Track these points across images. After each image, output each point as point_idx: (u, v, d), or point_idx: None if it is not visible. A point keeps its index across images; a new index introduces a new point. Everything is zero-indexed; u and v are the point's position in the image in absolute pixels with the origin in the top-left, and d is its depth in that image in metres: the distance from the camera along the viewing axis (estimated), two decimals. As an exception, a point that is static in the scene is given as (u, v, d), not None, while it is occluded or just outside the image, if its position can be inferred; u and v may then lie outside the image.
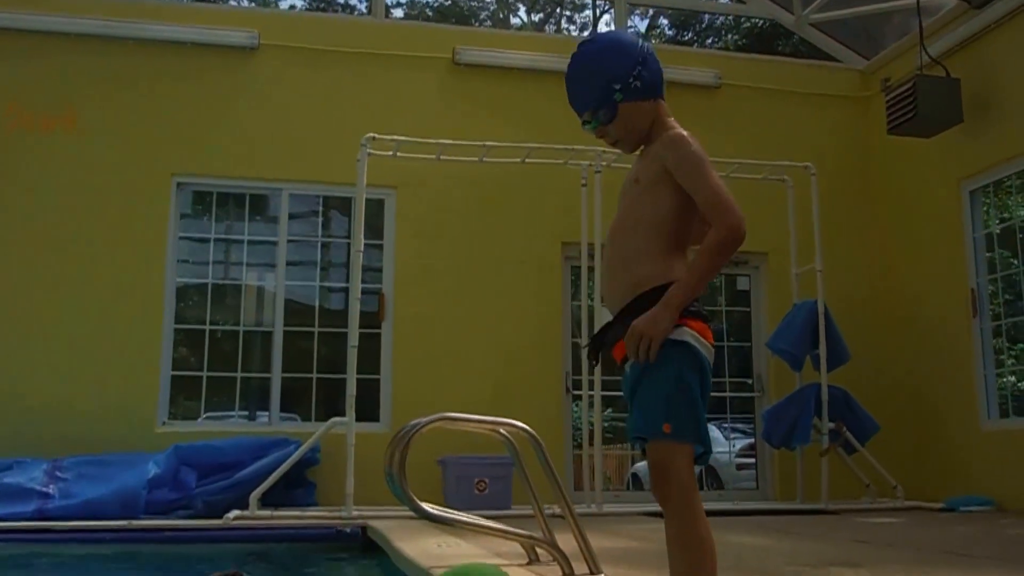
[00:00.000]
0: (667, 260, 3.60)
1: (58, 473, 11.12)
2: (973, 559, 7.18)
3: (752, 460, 15.54)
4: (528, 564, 6.53)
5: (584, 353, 12.12)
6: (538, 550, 6.55)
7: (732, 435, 15.87)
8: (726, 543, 8.08)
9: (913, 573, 6.13)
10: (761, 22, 28.08)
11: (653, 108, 3.78)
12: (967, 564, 6.81)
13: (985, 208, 13.76)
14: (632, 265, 3.62)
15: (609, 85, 3.72)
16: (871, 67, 15.82)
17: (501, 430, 6.47)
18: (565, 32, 38.30)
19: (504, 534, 6.42)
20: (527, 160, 12.86)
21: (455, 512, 6.30)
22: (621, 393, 10.53)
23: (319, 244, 14.28)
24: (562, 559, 6.00)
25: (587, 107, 3.85)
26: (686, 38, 35.53)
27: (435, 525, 9.22)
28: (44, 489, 10.87)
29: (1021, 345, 13.40)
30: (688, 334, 3.49)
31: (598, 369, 11.78)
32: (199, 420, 13.44)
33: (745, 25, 30.79)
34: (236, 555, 9.73)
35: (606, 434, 12.32)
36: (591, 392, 12.01)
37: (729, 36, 33.06)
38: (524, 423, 6.39)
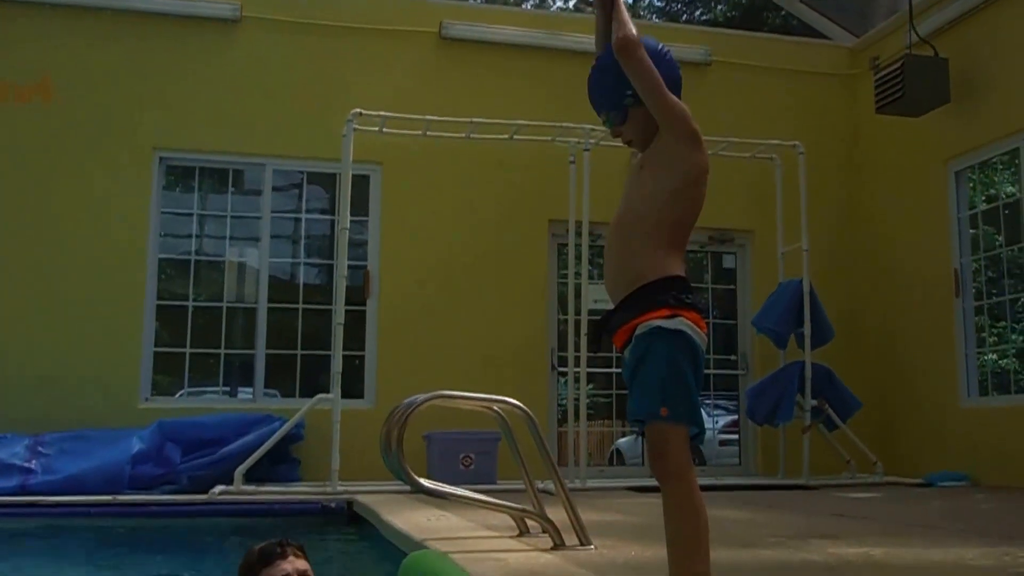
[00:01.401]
0: (665, 255, 3.95)
1: (40, 449, 11.47)
2: (947, 532, 7.62)
3: (735, 437, 15.92)
4: (518, 536, 6.92)
5: (567, 336, 12.53)
6: (528, 522, 6.96)
7: (715, 412, 16.18)
8: (710, 517, 8.53)
9: (889, 544, 6.52)
10: (750, -4, 28.27)
11: (651, 119, 4.12)
12: (941, 536, 7.26)
13: (971, 185, 14.09)
14: (633, 258, 3.97)
15: (621, 90, 4.13)
16: (860, 45, 16.13)
17: (495, 407, 6.94)
18: (549, 3, 38.31)
19: (497, 507, 6.91)
20: (515, 137, 13.19)
21: (452, 487, 6.82)
22: (604, 370, 11.09)
23: (303, 220, 14.53)
24: (553, 530, 6.41)
25: (602, 109, 4.28)
26: (675, 9, 35.55)
27: (421, 499, 9.74)
28: (26, 464, 11.23)
29: (1003, 324, 13.80)
30: (683, 323, 3.83)
31: (583, 346, 12.21)
32: (182, 396, 13.78)
33: (734, -6, 31.00)
34: (222, 530, 10.22)
35: (588, 410, 12.71)
36: (576, 369, 12.36)
37: (718, 7, 33.14)
38: (509, 399, 6.84)
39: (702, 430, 3.88)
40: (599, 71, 4.28)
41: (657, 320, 3.80)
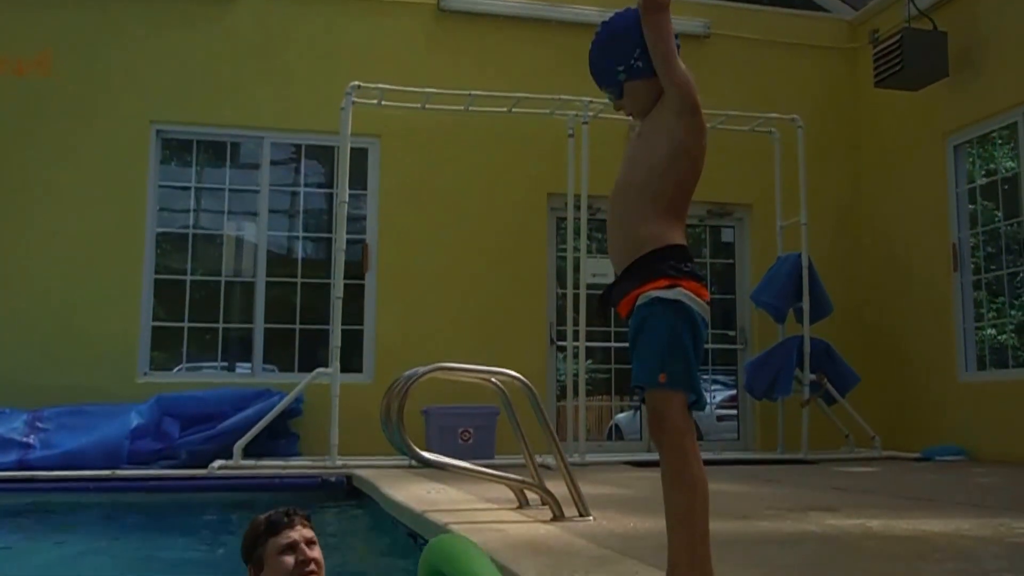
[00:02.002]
0: (667, 223, 4.01)
1: (39, 424, 11.63)
2: (944, 504, 7.75)
3: (734, 411, 16.03)
4: (518, 508, 7.09)
5: (573, 307, 12.63)
6: (527, 495, 7.13)
7: (714, 387, 16.22)
8: (709, 491, 8.67)
9: (886, 516, 6.65)
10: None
11: (656, 90, 4.13)
12: (938, 508, 7.39)
13: (970, 160, 14.16)
14: (635, 227, 4.02)
15: (613, 66, 4.18)
16: (859, 18, 16.19)
17: (493, 379, 7.05)
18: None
19: (498, 479, 7.07)
20: (513, 110, 13.30)
21: (452, 459, 6.94)
22: (603, 344, 11.20)
23: (301, 193, 14.66)
24: (552, 502, 6.56)
25: (600, 85, 4.34)
26: (675, -22, 35.36)
27: (420, 473, 9.88)
28: (25, 439, 11.41)
29: (1002, 299, 13.86)
30: (681, 293, 3.88)
31: (582, 320, 12.35)
32: (180, 371, 13.88)
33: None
34: (221, 504, 10.38)
35: (587, 386, 12.79)
36: (575, 343, 12.51)
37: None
38: (509, 371, 6.98)
39: (700, 398, 3.94)
40: (594, 47, 4.33)
41: (655, 291, 3.87)
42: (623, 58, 4.13)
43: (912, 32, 13.62)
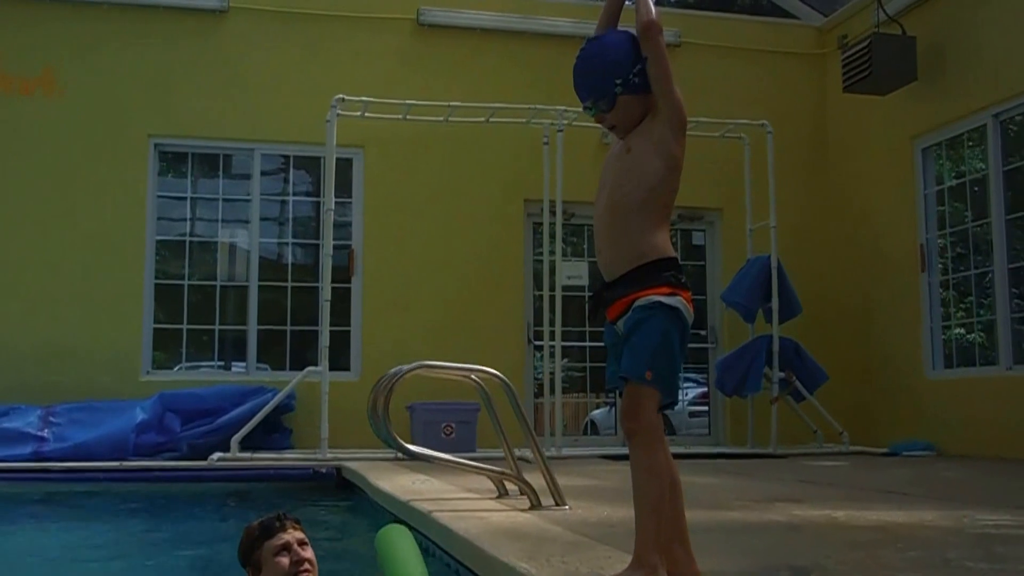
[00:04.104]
0: (661, 235, 4.06)
1: (51, 418, 11.88)
2: (909, 496, 7.76)
3: (705, 408, 16.02)
4: (498, 498, 7.15)
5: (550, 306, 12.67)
6: (507, 485, 7.20)
7: (686, 384, 16.22)
8: (681, 483, 8.73)
9: (851, 508, 6.70)
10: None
11: (649, 99, 4.17)
12: (902, 501, 7.40)
13: (940, 162, 14.17)
14: (634, 237, 4.04)
15: (611, 79, 4.14)
16: (828, 24, 16.17)
17: (474, 376, 7.11)
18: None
19: (479, 470, 7.15)
20: (490, 120, 13.33)
21: (435, 452, 7.00)
22: (579, 344, 11.17)
23: (290, 202, 14.78)
24: (530, 492, 6.64)
25: (589, 97, 4.26)
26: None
27: (405, 465, 9.93)
28: (39, 433, 11.66)
29: (971, 298, 13.86)
30: (680, 302, 3.96)
31: (558, 320, 12.45)
32: (180, 370, 14.07)
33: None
34: (220, 494, 10.58)
35: (563, 383, 12.87)
36: (552, 343, 12.61)
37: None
38: (488, 368, 7.05)
39: (675, 400, 4.02)
40: (587, 59, 4.29)
41: (658, 296, 3.92)
42: (621, 73, 4.14)
43: (881, 37, 13.59)
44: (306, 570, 4.65)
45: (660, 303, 3.90)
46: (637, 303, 3.93)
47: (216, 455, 11.26)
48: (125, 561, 7.50)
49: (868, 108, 14.73)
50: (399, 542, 3.98)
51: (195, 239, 14.33)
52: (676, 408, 4.15)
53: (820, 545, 5.20)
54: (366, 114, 12.69)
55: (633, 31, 4.23)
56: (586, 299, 14.62)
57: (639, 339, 3.91)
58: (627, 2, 4.36)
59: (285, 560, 4.63)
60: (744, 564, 4.62)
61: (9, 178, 13.33)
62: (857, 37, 14.39)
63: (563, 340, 12.79)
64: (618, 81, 4.14)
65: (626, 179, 4.12)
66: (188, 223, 14.36)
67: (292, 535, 4.72)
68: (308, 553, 4.72)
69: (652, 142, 4.11)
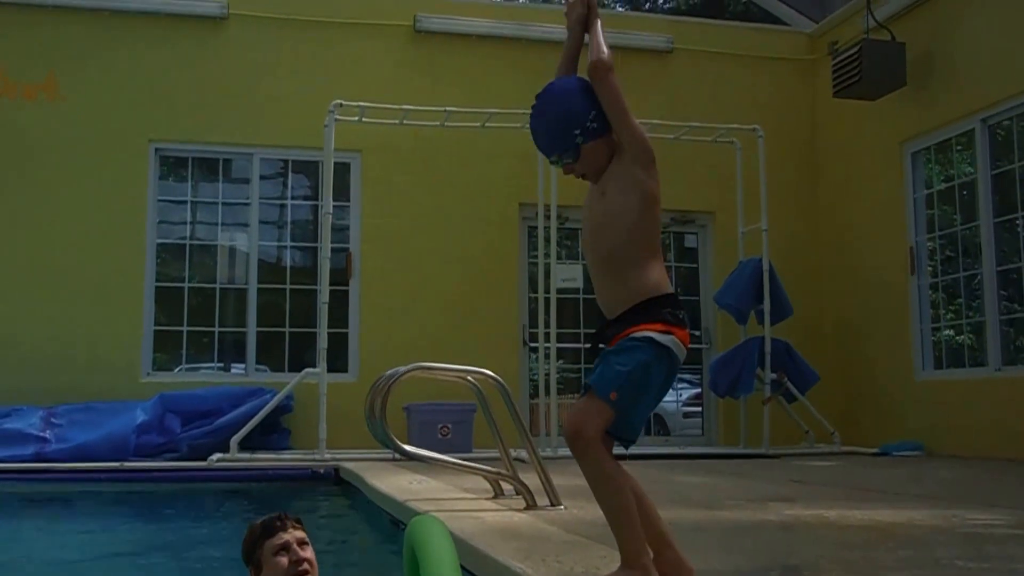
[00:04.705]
0: (655, 271, 4.00)
1: (53, 419, 11.90)
2: (900, 496, 7.78)
3: (698, 409, 16.05)
4: (494, 498, 7.13)
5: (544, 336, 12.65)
6: (503, 485, 7.18)
7: (679, 385, 16.21)
8: (673, 482, 8.71)
9: (842, 507, 6.71)
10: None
11: (612, 140, 4.11)
12: (893, 500, 7.42)
13: (929, 166, 14.15)
14: (627, 280, 3.97)
15: (570, 131, 4.07)
16: (818, 31, 16.16)
17: (469, 378, 7.11)
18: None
19: (475, 470, 7.15)
20: (486, 125, 13.29)
21: (432, 452, 7.00)
22: (573, 346, 11.14)
23: (288, 206, 14.81)
24: (526, 492, 6.63)
25: (552, 152, 4.20)
26: (639, -4, 35.41)
27: (402, 464, 9.94)
28: (41, 434, 11.68)
29: (959, 301, 13.85)
30: (673, 342, 3.89)
31: (553, 322, 12.45)
32: (180, 371, 14.07)
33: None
34: (220, 494, 10.59)
35: (558, 384, 12.87)
36: (547, 344, 12.59)
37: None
38: (483, 370, 7.05)
39: (633, 437, 3.96)
40: (541, 115, 4.24)
41: (651, 331, 3.87)
42: (578, 122, 4.08)
43: (871, 43, 13.55)
44: (305, 570, 4.63)
45: (651, 339, 3.86)
46: (630, 335, 3.88)
47: (216, 456, 11.27)
48: (125, 560, 7.50)
49: (858, 113, 14.70)
50: (434, 532, 3.96)
51: (195, 242, 14.35)
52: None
53: (813, 544, 5.19)
54: (363, 119, 12.71)
55: (580, 77, 4.20)
56: (580, 301, 14.70)
57: (618, 360, 3.85)
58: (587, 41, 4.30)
59: (284, 560, 4.62)
60: (737, 563, 4.61)
61: (12, 182, 13.33)
62: (847, 43, 14.33)
63: (558, 342, 12.77)
64: (577, 131, 4.08)
65: (607, 223, 4.08)
66: (188, 226, 14.37)
67: (292, 535, 4.70)
68: (308, 553, 4.70)
69: (624, 182, 4.06)
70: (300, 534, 4.74)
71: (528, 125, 4.30)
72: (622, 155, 4.09)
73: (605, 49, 4.10)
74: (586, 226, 4.17)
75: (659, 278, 3.99)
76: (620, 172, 4.07)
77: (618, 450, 3.99)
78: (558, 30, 14.53)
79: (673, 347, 3.88)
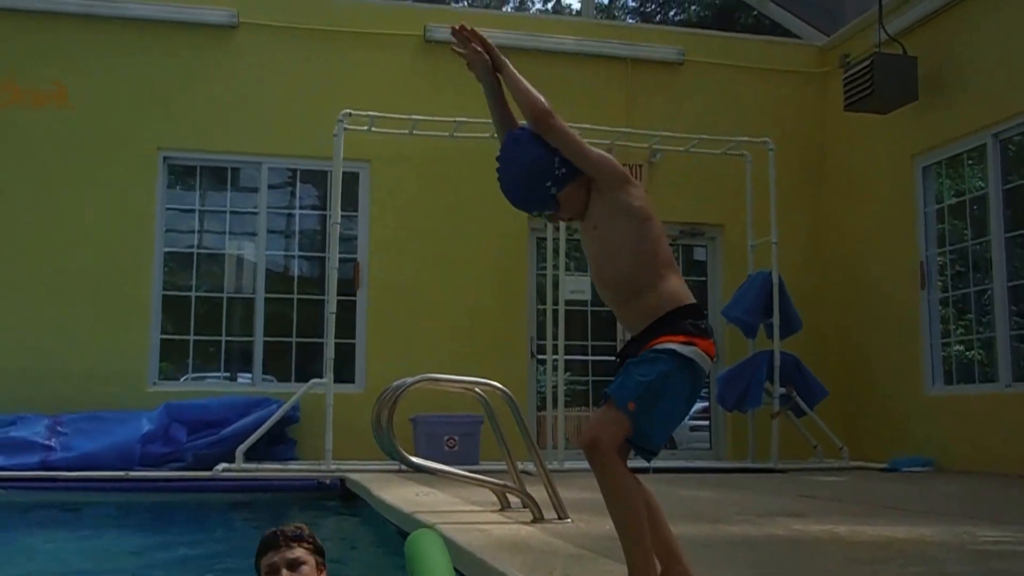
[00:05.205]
0: (671, 284, 3.99)
1: (59, 428, 11.93)
2: (909, 512, 7.71)
3: (706, 423, 16.02)
4: (500, 510, 7.12)
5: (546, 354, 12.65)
6: (509, 498, 7.17)
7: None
8: (681, 497, 8.69)
9: (852, 523, 6.68)
10: (723, -4, 28.15)
11: (585, 179, 4.10)
12: (903, 516, 7.37)
13: (940, 181, 14.12)
14: (643, 299, 3.95)
15: (541, 185, 4.10)
16: (830, 44, 16.14)
17: (477, 389, 7.11)
18: (529, 4, 38.25)
19: (482, 482, 7.13)
20: (495, 136, 13.23)
21: (439, 464, 7.00)
22: (581, 358, 11.11)
23: (297, 215, 14.83)
24: (533, 505, 6.61)
25: (533, 209, 4.27)
26: (649, 10, 35.42)
27: (408, 476, 9.93)
28: (46, 442, 11.70)
29: (969, 316, 13.81)
30: (695, 353, 3.87)
31: (561, 334, 12.46)
32: (186, 380, 14.07)
33: (707, -3, 30.92)
34: (225, 504, 10.60)
35: (566, 397, 12.89)
36: (555, 356, 12.58)
37: (692, 8, 33.04)
38: (491, 381, 7.04)
39: (651, 450, 3.92)
40: (508, 180, 4.26)
41: (673, 343, 3.85)
42: (546, 174, 4.10)
43: (882, 57, 13.48)
44: None
45: (673, 351, 3.84)
46: (653, 347, 3.87)
47: (221, 466, 11.27)
48: (129, 570, 7.50)
49: (869, 126, 14.66)
50: (430, 547, 3.96)
51: (203, 251, 14.40)
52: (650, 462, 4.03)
53: (822, 560, 5.18)
54: (372, 129, 12.75)
55: (524, 128, 4.19)
56: (588, 313, 14.69)
57: (639, 370, 3.84)
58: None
59: None
60: (745, 578, 4.61)
61: (20, 189, 13.36)
62: (859, 56, 14.27)
63: (566, 354, 12.78)
64: (548, 183, 4.10)
65: (608, 255, 4.08)
66: (196, 235, 14.41)
67: (283, 556, 4.64)
68: (301, 573, 4.66)
69: (610, 210, 4.06)
70: (295, 554, 4.68)
71: (498, 174, 4.28)
72: (598, 186, 4.09)
73: (534, 93, 4.13)
74: (591, 263, 4.16)
75: (675, 290, 3.97)
76: (602, 202, 4.08)
77: (640, 463, 3.98)
78: (569, 41, 14.67)
79: (696, 358, 3.86)
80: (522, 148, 4.19)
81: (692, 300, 4.00)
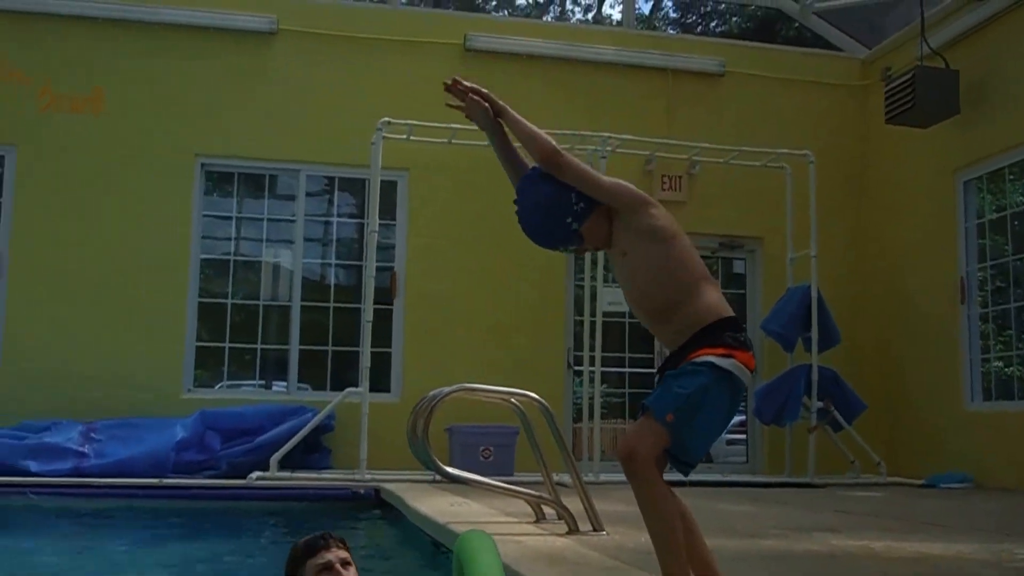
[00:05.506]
0: (707, 297, 4.02)
1: (92, 434, 11.97)
2: (947, 529, 7.68)
3: (743, 436, 15.99)
4: (535, 522, 7.15)
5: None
6: (544, 509, 7.19)
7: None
8: (717, 511, 8.69)
9: (889, 539, 6.65)
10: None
11: (605, 209, 4.16)
12: (941, 532, 7.34)
13: (981, 195, 14.05)
14: (683, 315, 3.99)
15: (562, 222, 4.16)
16: (871, 57, 16.10)
17: (513, 400, 7.12)
18: (569, 14, 38.24)
19: (517, 493, 7.15)
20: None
21: (474, 475, 7.01)
22: (618, 370, 11.12)
23: (334, 223, 14.84)
24: (568, 516, 6.63)
25: (559, 246, 4.31)
26: (690, 21, 35.41)
27: (443, 487, 9.94)
28: (80, 449, 11.73)
29: (1009, 332, 13.76)
30: (734, 365, 3.90)
31: (598, 346, 12.47)
32: (221, 388, 14.11)
33: (749, 8, 30.86)
34: (259, 512, 10.62)
35: (602, 409, 12.87)
36: (592, 368, 12.60)
37: (733, 20, 33.00)
38: (528, 392, 7.05)
39: (689, 462, 3.96)
40: (529, 223, 4.33)
41: (712, 356, 3.88)
42: (565, 211, 4.15)
43: (924, 70, 13.42)
44: None
45: (712, 363, 3.86)
46: (691, 360, 3.89)
47: (255, 474, 11.32)
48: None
49: (910, 140, 14.58)
50: (481, 547, 3.98)
51: (239, 258, 14.44)
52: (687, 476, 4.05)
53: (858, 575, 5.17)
54: (411, 137, 12.78)
55: (533, 169, 4.21)
56: (626, 325, 14.70)
57: (678, 383, 3.86)
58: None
59: None
60: (782, 594, 4.60)
61: (56, 193, 13.40)
62: (900, 70, 14.20)
63: (603, 366, 12.77)
64: (568, 220, 4.15)
65: (639, 278, 4.13)
66: (233, 242, 14.47)
67: (335, 554, 4.72)
68: (350, 573, 4.72)
69: (634, 234, 4.11)
70: (343, 554, 4.76)
71: (518, 216, 4.34)
72: (619, 213, 4.14)
73: (539, 134, 4.18)
74: (624, 290, 4.20)
75: (712, 303, 4.00)
76: (625, 228, 4.13)
77: (676, 476, 3.99)
78: (609, 51, 14.70)
79: (735, 370, 3.88)
80: (537, 188, 4.24)
81: (730, 312, 4.02)
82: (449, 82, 4.53)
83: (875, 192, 15.74)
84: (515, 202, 4.31)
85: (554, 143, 4.14)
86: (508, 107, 4.42)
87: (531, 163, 4.31)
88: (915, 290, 14.68)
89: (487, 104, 4.45)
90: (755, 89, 15.69)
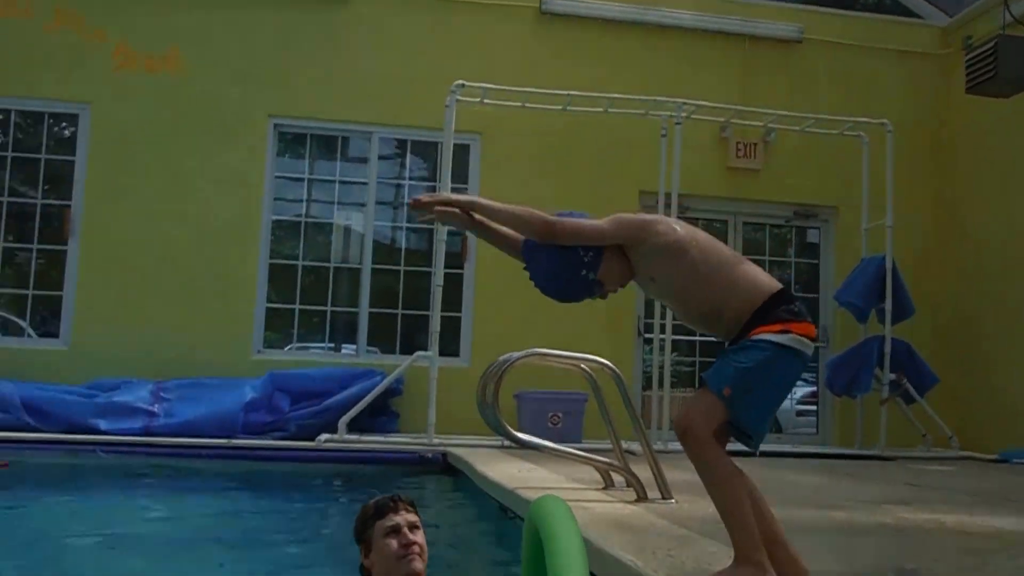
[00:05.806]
0: (744, 282, 4.05)
1: (162, 394, 12.10)
2: (1019, 503, 7.70)
3: (814, 407, 15.88)
4: (604, 489, 7.20)
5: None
6: (613, 476, 7.21)
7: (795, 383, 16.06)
8: (787, 481, 8.69)
9: (960, 513, 6.63)
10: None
11: (616, 247, 4.22)
12: (1013, 508, 7.35)
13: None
14: (730, 310, 4.02)
15: (577, 276, 4.22)
16: (953, 25, 15.88)
17: (583, 366, 7.13)
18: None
19: (587, 460, 7.18)
20: (609, 110, 13.26)
21: (544, 441, 7.04)
22: (688, 338, 11.16)
23: (406, 186, 14.78)
24: (636, 483, 6.67)
25: (583, 297, 4.36)
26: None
27: (511, 452, 9.97)
28: (150, 408, 11.86)
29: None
30: (793, 340, 3.93)
31: (669, 314, 12.38)
32: (290, 350, 14.19)
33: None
34: (327, 474, 10.72)
35: (672, 377, 12.86)
36: (662, 335, 12.58)
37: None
38: (599, 358, 7.05)
39: (750, 434, 3.99)
40: (546, 286, 4.39)
41: (768, 333, 3.91)
42: (577, 266, 4.21)
43: (1007, 39, 13.11)
44: (415, 553, 4.69)
45: (769, 341, 3.90)
46: (750, 337, 3.93)
47: (323, 436, 11.41)
48: (232, 539, 7.60)
49: (991, 110, 14.30)
50: (557, 513, 4.00)
51: (310, 220, 14.45)
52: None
53: (929, 549, 5.16)
54: (485, 101, 12.72)
55: (537, 217, 4.22)
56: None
57: (735, 357, 3.91)
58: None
59: (394, 542, 4.68)
60: (852, 566, 4.60)
61: (130, 154, 13.50)
62: (982, 38, 13.96)
63: (673, 334, 12.71)
64: (584, 272, 4.21)
65: (676, 297, 4.24)
66: (304, 204, 14.50)
67: (404, 517, 4.76)
68: (418, 537, 4.75)
69: (652, 260, 4.17)
70: (412, 517, 4.80)
71: (534, 284, 4.41)
72: (628, 248, 4.21)
73: (523, 214, 4.28)
74: (668, 307, 4.26)
75: (753, 287, 4.04)
76: (640, 256, 4.20)
77: (741, 449, 4.01)
78: (686, 16, 14.64)
79: (794, 344, 3.90)
80: (543, 254, 4.30)
81: (777, 286, 4.05)
82: (411, 201, 4.55)
83: (956, 163, 15.54)
84: (525, 269, 4.40)
85: (541, 214, 4.23)
86: (477, 198, 4.50)
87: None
88: (992, 262, 14.52)
89: (455, 208, 4.49)
90: (833, 56, 15.55)
